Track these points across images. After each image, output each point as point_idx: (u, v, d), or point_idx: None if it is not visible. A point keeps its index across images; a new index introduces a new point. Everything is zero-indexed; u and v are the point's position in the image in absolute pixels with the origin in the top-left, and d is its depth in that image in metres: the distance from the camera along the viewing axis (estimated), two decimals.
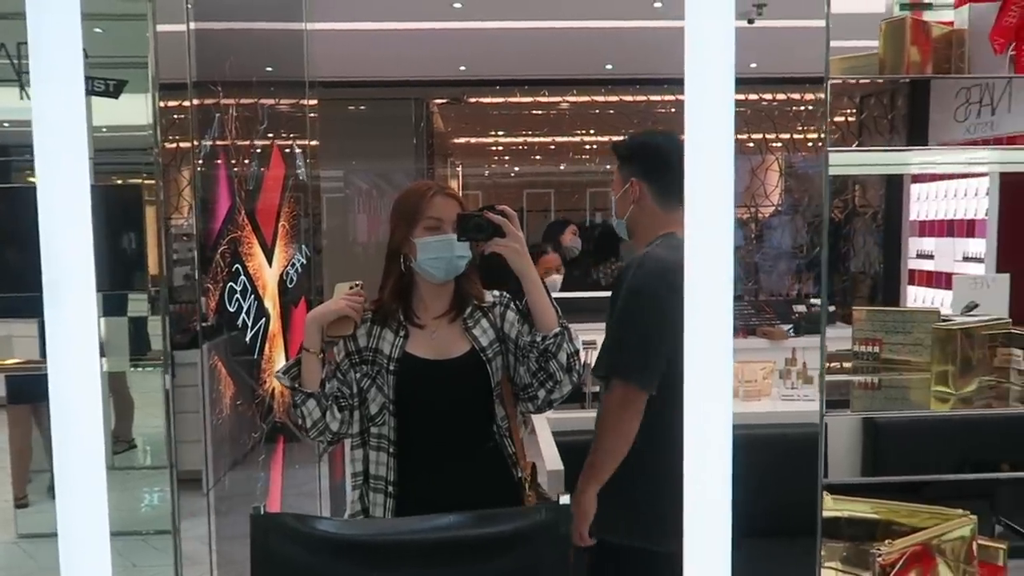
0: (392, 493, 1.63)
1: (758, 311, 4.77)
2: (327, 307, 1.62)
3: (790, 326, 4.57)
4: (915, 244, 5.51)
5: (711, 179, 0.72)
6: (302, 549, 1.15)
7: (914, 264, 5.35)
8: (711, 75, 0.74)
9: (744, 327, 4.53)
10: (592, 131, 6.62)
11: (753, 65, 4.98)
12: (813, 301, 5.05)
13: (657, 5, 3.62)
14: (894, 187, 5.74)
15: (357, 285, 1.64)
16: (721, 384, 0.75)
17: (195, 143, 2.20)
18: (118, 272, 2.71)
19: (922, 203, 5.43)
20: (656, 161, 1.85)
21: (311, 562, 1.15)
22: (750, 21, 3.43)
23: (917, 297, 5.33)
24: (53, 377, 0.73)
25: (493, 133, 8.72)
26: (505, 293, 1.72)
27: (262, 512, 1.17)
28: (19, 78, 2.43)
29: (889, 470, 2.66)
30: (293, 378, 1.62)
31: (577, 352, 1.60)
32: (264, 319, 2.57)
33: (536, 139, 8.37)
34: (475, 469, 1.63)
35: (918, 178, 5.41)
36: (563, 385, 1.60)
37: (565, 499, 1.19)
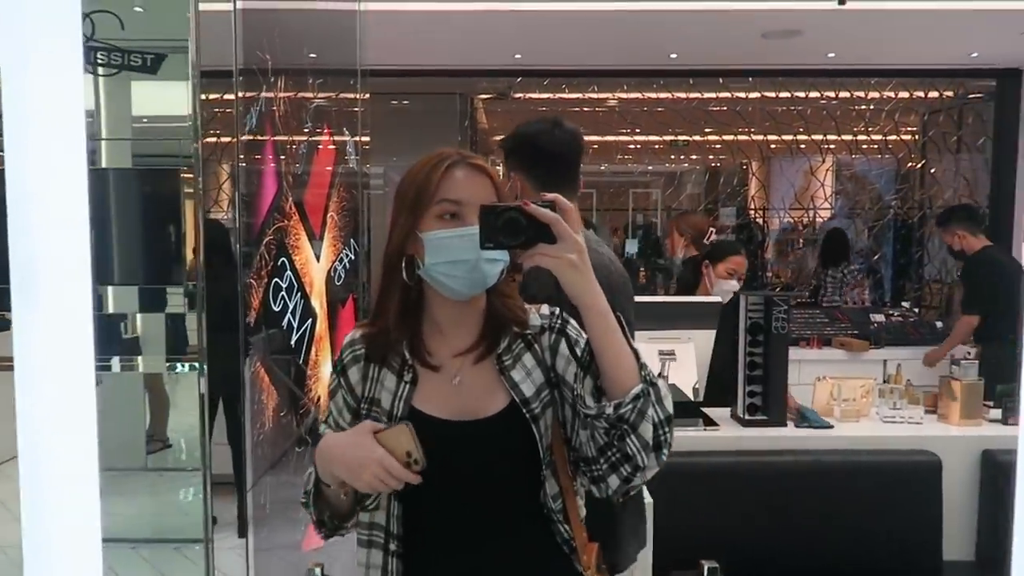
0: None
1: (832, 320, 4.45)
2: (346, 465, 1.04)
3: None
4: None
5: None
6: None
7: None
8: None
9: (818, 337, 4.22)
10: (638, 130, 6.34)
11: (831, 55, 4.66)
12: (892, 311, 4.70)
13: None
14: (1004, 182, 5.34)
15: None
16: None
17: (238, 138, 1.97)
18: (155, 266, 2.54)
19: None
20: (529, 150, 1.68)
21: None
22: (841, 1, 3.11)
23: None
24: (23, 404, 0.49)
25: None
26: (557, 311, 1.19)
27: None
28: None
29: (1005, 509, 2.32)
30: (323, 513, 1.15)
31: (669, 418, 1.04)
32: (311, 319, 2.34)
33: None
34: (515, 571, 1.14)
35: None
36: (646, 470, 1.05)
37: (711, 565, 0.91)
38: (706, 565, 0.93)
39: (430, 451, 1.07)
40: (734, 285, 2.92)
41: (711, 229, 3.97)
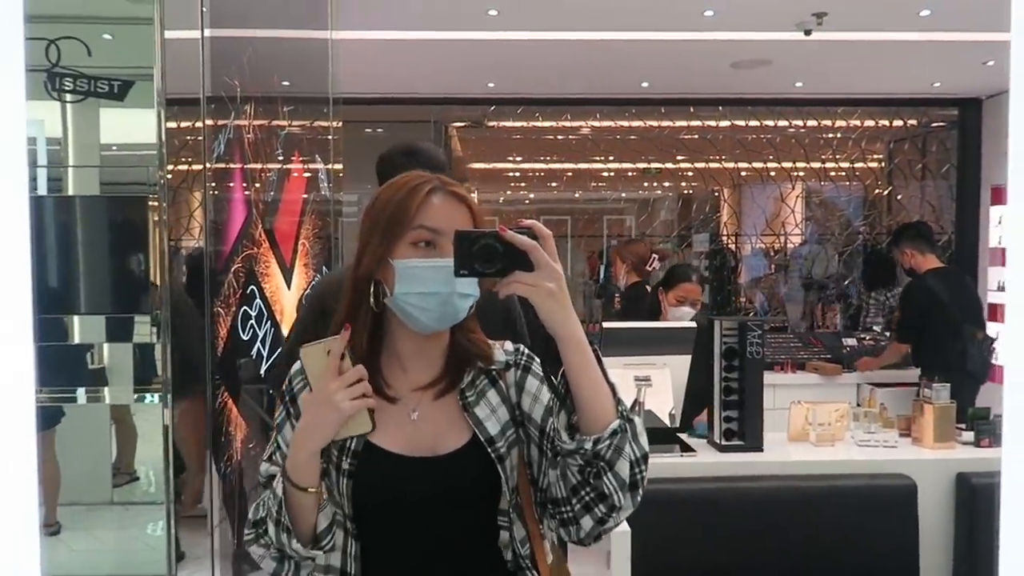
0: None
1: (805, 344, 4.48)
2: (322, 420, 0.99)
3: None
4: (995, 275, 5.04)
5: None
6: None
7: (994, 298, 4.88)
8: None
9: (791, 361, 4.25)
10: (611, 158, 6.42)
11: (799, 84, 4.75)
12: (863, 335, 4.75)
13: (708, 14, 3.38)
14: (968, 208, 5.44)
15: (337, 344, 1.01)
16: None
17: (205, 165, 1.94)
18: (122, 294, 2.49)
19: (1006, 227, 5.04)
20: (379, 179, 1.70)
21: None
22: (807, 32, 3.17)
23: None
24: None
25: (512, 159, 8.54)
26: (522, 348, 1.17)
27: None
28: None
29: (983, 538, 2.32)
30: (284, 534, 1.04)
31: (645, 457, 1.01)
32: (281, 348, 2.30)
33: (554, 165, 8.20)
34: None
35: (1003, 197, 5.06)
36: (621, 510, 1.00)
37: None
38: None
39: (385, 487, 1.05)
40: (687, 311, 2.92)
41: (653, 256, 4.04)
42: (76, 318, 2.73)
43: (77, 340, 2.84)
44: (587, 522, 1.01)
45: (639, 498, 1.01)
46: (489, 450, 1.06)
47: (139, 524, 3.96)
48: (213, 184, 1.94)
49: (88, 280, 2.48)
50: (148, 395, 2.90)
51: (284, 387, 1.14)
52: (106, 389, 3.31)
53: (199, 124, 1.95)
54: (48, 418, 3.47)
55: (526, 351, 1.15)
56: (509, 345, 1.16)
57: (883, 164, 6.24)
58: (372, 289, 1.06)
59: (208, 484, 2.15)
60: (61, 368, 2.95)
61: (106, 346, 3.21)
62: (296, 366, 1.13)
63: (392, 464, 1.05)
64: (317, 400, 1.00)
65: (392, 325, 1.10)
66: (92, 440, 3.95)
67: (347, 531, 1.06)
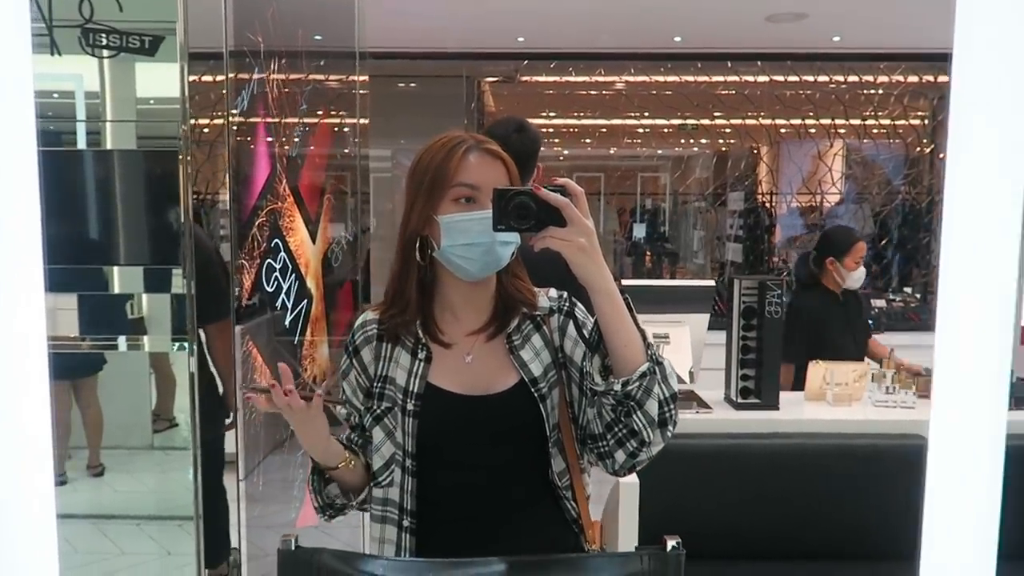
0: None
1: None
2: (307, 430, 1.17)
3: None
4: None
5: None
6: None
7: None
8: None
9: None
10: (646, 114, 6.32)
11: (836, 39, 4.62)
12: (892, 296, 4.68)
13: None
14: None
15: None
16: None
17: (228, 119, 1.98)
18: (159, 246, 2.57)
19: None
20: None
21: None
22: None
23: None
24: None
25: (545, 114, 8.46)
26: (565, 294, 1.25)
27: (293, 547, 0.94)
28: (50, 33, 2.25)
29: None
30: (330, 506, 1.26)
31: (674, 396, 1.09)
32: (306, 300, 2.36)
33: (588, 121, 8.11)
34: (525, 545, 1.16)
35: None
36: (652, 445, 1.10)
37: (674, 542, 0.93)
38: (670, 541, 0.96)
39: (447, 424, 1.17)
40: (863, 272, 2.95)
41: None
42: (116, 269, 2.83)
43: (117, 290, 2.94)
44: (620, 456, 1.11)
45: (669, 434, 1.10)
46: (533, 390, 1.16)
47: (179, 468, 4.13)
48: (249, 138, 1.99)
49: (127, 232, 2.56)
50: (186, 344, 3.01)
51: (348, 339, 1.27)
52: (145, 338, 3.43)
53: (233, 76, 2.00)
54: (91, 365, 3.62)
55: (569, 297, 1.24)
56: (553, 291, 1.24)
57: (926, 121, 6.06)
58: (419, 245, 1.16)
59: (235, 438, 2.24)
60: (103, 317, 3.07)
61: (144, 296, 3.32)
62: (359, 320, 1.26)
63: (453, 403, 1.17)
64: (293, 424, 1.16)
65: (442, 277, 1.20)
66: (133, 387, 4.11)
67: (404, 469, 1.18)
